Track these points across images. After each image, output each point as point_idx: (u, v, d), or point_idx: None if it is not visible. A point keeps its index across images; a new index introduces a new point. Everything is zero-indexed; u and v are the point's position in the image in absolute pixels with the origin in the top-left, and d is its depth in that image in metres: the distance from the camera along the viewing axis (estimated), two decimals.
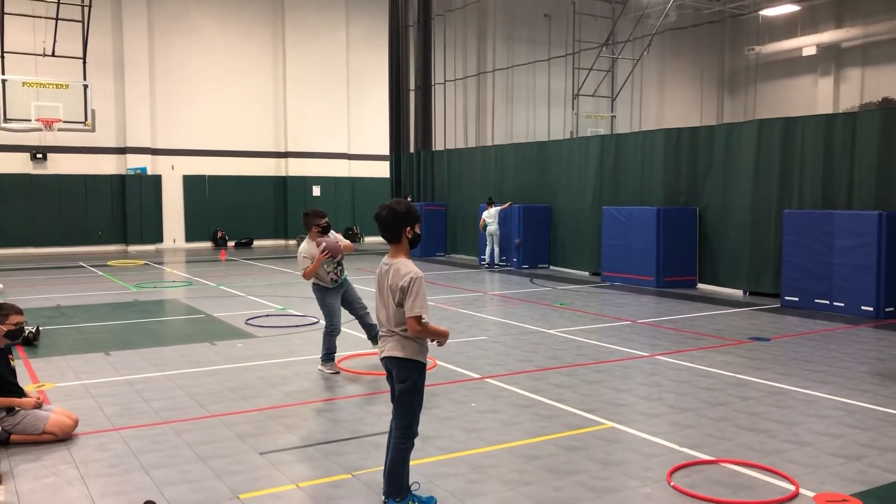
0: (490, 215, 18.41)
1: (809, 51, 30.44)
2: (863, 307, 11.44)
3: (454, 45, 28.88)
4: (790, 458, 5.48)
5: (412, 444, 4.51)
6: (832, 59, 30.15)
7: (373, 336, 8.04)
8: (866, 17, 27.69)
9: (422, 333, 4.36)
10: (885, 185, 12.04)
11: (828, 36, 29.45)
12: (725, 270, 14.43)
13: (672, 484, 4.94)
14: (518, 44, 29.66)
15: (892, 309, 11.40)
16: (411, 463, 4.63)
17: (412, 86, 24.66)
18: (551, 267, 18.55)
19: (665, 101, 33.24)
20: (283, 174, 27.42)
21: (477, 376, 7.83)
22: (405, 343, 4.41)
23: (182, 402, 6.92)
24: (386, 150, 26.00)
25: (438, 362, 8.37)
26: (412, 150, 24.68)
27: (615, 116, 29.90)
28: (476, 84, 29.43)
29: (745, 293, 13.95)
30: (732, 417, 6.43)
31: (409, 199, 18.91)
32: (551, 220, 18.56)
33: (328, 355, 7.96)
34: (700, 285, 14.92)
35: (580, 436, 5.94)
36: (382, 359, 4.57)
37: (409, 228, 4.42)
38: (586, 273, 17.25)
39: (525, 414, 6.53)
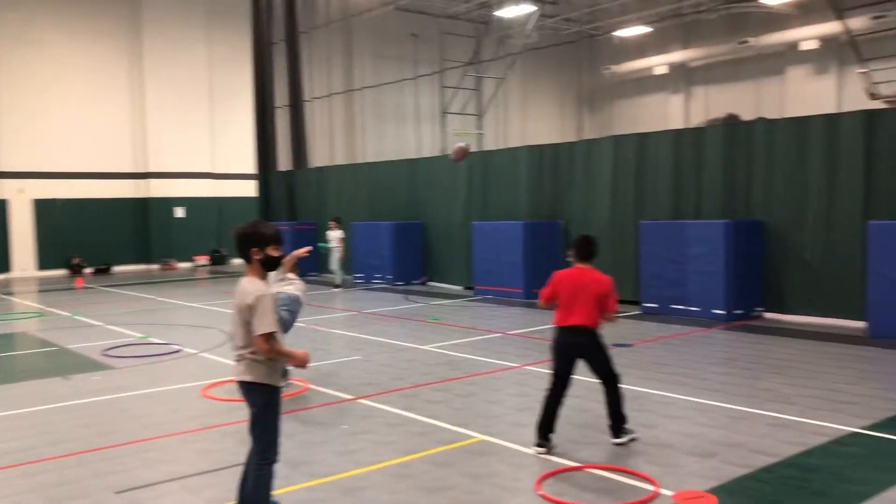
0: (333, 238, 18.06)
1: (661, 70, 32.29)
2: (714, 310, 12.18)
3: (322, 63, 28.70)
4: (650, 459, 5.73)
5: (271, 471, 4.38)
6: (682, 78, 32.10)
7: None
8: (709, 38, 29.69)
9: (271, 353, 4.24)
10: (730, 195, 12.89)
11: (677, 56, 31.34)
12: None
13: (540, 493, 5.05)
14: (386, 62, 29.83)
15: (740, 311, 12.20)
16: (279, 491, 4.51)
17: (278, 103, 24.25)
18: (428, 283, 18.66)
19: (529, 119, 34.29)
20: (144, 196, 26.23)
21: (349, 397, 7.74)
22: (255, 366, 4.29)
23: (32, 443, 6.44)
24: (252, 169, 25.40)
25: (310, 385, 8.22)
26: (281, 168, 24.24)
27: (483, 133, 30.57)
28: (345, 102, 29.33)
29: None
30: (596, 423, 6.65)
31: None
32: (424, 236, 18.70)
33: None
34: None
35: (452, 451, 5.98)
36: (237, 383, 4.43)
37: (256, 250, 4.32)
38: (460, 287, 17.47)
39: (398, 433, 6.51)
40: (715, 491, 5.05)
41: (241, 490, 4.48)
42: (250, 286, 4.27)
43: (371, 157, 27.29)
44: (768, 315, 12.36)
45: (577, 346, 6.01)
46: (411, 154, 27.71)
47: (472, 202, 17.44)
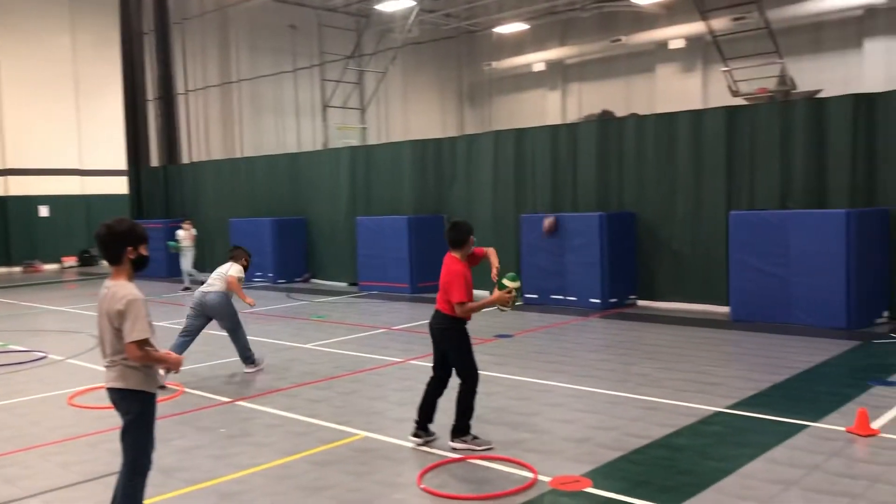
0: (183, 237, 17.31)
1: (539, 66, 33.07)
2: (590, 300, 12.60)
3: (196, 55, 27.69)
4: (530, 447, 5.85)
5: (143, 481, 4.17)
6: (558, 75, 32.98)
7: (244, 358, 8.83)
8: (584, 36, 30.64)
9: (144, 359, 4.04)
10: (603, 189, 13.36)
11: (554, 53, 32.17)
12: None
13: (422, 486, 5.06)
14: (264, 54, 29.08)
15: (615, 300, 12.67)
16: (153, 499, 4.32)
17: (151, 96, 23.22)
18: (312, 280, 18.36)
19: (411, 113, 34.35)
20: (2, 194, 24.51)
21: (227, 400, 7.50)
22: (128, 372, 4.07)
23: None
24: (122, 165, 24.20)
25: (186, 389, 7.92)
26: (154, 163, 23.24)
27: (366, 128, 30.39)
28: (221, 95, 28.43)
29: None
30: (479, 414, 6.71)
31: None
32: (307, 232, 18.39)
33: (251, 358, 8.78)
34: None
35: (333, 449, 5.90)
36: (107, 390, 4.19)
37: (131, 249, 4.10)
38: (345, 284, 17.30)
39: (278, 433, 6.37)
40: (590, 474, 5.21)
41: (113, 501, 4.25)
42: (120, 290, 4.04)
43: (250, 152, 26.57)
44: (641, 303, 12.91)
45: (434, 330, 6.06)
46: (292, 148, 27.19)
47: (356, 197, 17.31)
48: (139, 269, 4.21)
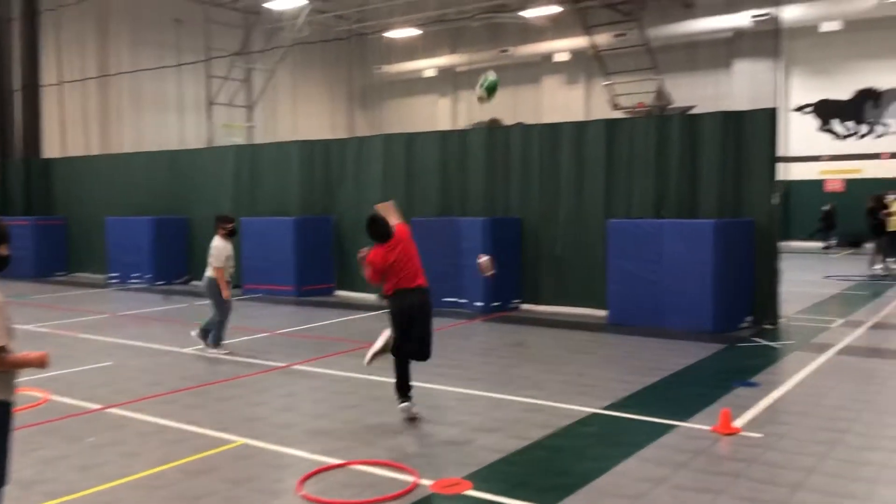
0: None
1: (430, 72, 33.36)
2: (475, 303, 12.77)
3: (72, 45, 26.29)
4: (411, 451, 5.87)
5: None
6: (449, 82, 33.37)
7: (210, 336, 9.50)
8: (474, 45, 31.13)
9: (3, 367, 3.78)
10: (491, 194, 13.58)
11: (444, 60, 32.53)
12: (360, 277, 15.08)
13: (301, 493, 4.98)
14: (145, 47, 27.92)
15: (498, 303, 12.89)
16: None
17: (16, 86, 21.84)
18: (192, 283, 17.73)
19: (300, 113, 33.84)
20: None
21: (97, 407, 7.14)
22: None
23: None
24: None
25: (51, 396, 7.48)
26: (19, 157, 21.86)
27: (254, 126, 29.71)
28: (99, 87, 27.09)
29: (378, 297, 14.71)
30: (363, 418, 6.70)
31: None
32: (189, 232, 17.75)
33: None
34: (338, 292, 15.40)
35: (210, 457, 5.72)
36: None
37: None
38: None
39: (151, 442, 6.12)
40: (471, 477, 5.28)
41: None
42: None
43: (129, 148, 25.43)
44: (525, 306, 13.18)
45: (426, 306, 6.81)
46: (174, 145, 26.22)
47: (241, 197, 16.85)
48: (1, 270, 3.93)
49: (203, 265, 17.58)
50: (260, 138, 28.90)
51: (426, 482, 5.17)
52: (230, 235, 9.82)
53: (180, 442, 6.08)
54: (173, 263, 17.56)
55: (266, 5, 26.67)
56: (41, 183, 20.80)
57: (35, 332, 11.10)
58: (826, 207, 25.62)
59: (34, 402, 7.23)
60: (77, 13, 25.79)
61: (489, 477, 5.31)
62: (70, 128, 26.49)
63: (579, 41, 27.04)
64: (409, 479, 5.22)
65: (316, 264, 15.22)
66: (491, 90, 8.17)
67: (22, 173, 21.17)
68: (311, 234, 15.13)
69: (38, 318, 12.31)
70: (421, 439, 6.14)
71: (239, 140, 26.80)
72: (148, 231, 17.32)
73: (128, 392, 7.73)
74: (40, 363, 3.94)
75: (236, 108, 29.00)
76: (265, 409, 7.09)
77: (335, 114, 35.58)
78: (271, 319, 12.47)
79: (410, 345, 6.63)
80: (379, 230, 6.76)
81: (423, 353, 6.74)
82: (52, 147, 24.30)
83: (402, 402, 6.66)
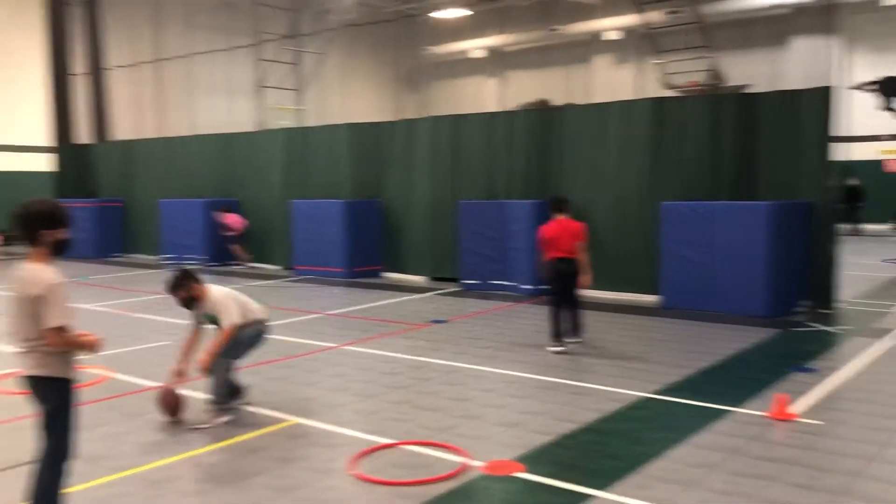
0: None
1: (478, 53, 33.14)
2: (524, 286, 12.74)
3: (127, 30, 26.77)
4: (462, 432, 5.89)
5: (63, 470, 4.04)
6: (497, 62, 33.12)
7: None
8: (522, 25, 30.80)
9: (63, 345, 3.91)
10: (539, 176, 13.46)
11: (492, 40, 32.26)
12: (409, 259, 15.19)
13: (353, 472, 5.05)
14: (198, 31, 28.30)
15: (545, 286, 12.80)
16: (77, 488, 4.19)
17: (77, 70, 22.37)
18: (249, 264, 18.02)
19: (349, 96, 33.97)
20: None
21: (155, 385, 7.32)
22: (46, 359, 3.93)
23: None
24: (47, 141, 23.27)
25: (112, 375, 7.71)
26: (81, 140, 22.43)
27: (304, 109, 29.93)
28: (153, 72, 27.58)
29: (428, 279, 14.79)
30: (412, 399, 6.76)
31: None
32: (242, 214, 18.02)
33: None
34: (386, 274, 15.51)
35: (263, 436, 5.84)
36: (23, 378, 4.04)
37: (48, 231, 3.93)
38: (279, 268, 17.06)
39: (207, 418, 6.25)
40: (522, 459, 5.29)
41: (30, 490, 4.10)
42: (39, 274, 3.88)
43: (182, 131, 25.87)
44: None
45: (571, 272, 8.64)
46: (225, 129, 26.59)
47: (291, 180, 17.04)
48: (59, 253, 4.05)
49: (256, 248, 17.87)
50: (311, 121, 29.12)
51: (477, 463, 5.20)
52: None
53: (233, 420, 6.21)
54: (219, 245, 17.84)
55: None
56: (101, 166, 21.32)
57: (96, 312, 11.42)
58: (852, 182, 23.91)
59: (94, 380, 7.46)
60: None
61: (539, 459, 5.32)
62: (126, 112, 27.02)
63: (630, 19, 26.53)
64: (460, 459, 5.25)
65: (365, 246, 15.35)
66: None
67: (83, 157, 21.74)
68: (361, 216, 15.25)
69: (99, 297, 12.66)
70: (471, 421, 6.17)
71: (289, 123, 27.04)
72: (201, 213, 17.64)
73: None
74: (92, 347, 4.07)
75: (286, 91, 29.23)
76: (316, 389, 7.20)
77: (383, 96, 35.63)
78: (322, 300, 12.62)
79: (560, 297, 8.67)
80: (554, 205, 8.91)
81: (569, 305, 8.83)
82: (109, 130, 24.83)
83: (557, 344, 8.58)
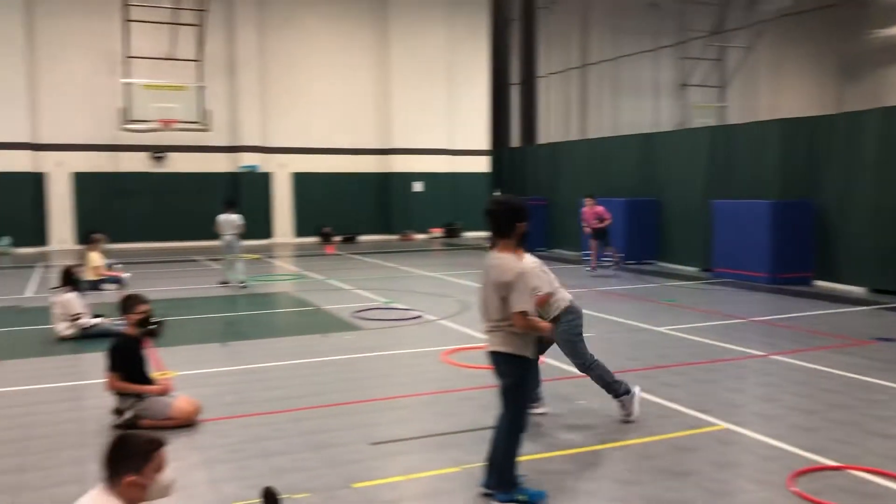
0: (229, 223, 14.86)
1: None
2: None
3: (558, 38, 28.58)
4: None
5: (519, 439, 4.50)
6: None
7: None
8: None
9: (526, 328, 4.35)
10: None
11: None
12: (846, 266, 13.70)
13: (793, 489, 4.74)
14: (623, 34, 29.04)
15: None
16: (526, 458, 4.63)
17: (513, 80, 24.55)
18: (658, 263, 18.07)
19: (780, 90, 31.79)
20: (387, 171, 27.85)
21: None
22: (510, 338, 4.41)
23: (296, 392, 7.15)
24: (485, 145, 26.00)
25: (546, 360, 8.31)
26: (513, 144, 24.59)
27: (726, 106, 28.87)
28: (579, 76, 29.03)
29: (868, 290, 13.20)
30: (859, 421, 6.10)
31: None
32: (658, 214, 18.08)
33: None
34: (816, 282, 14.21)
35: (694, 436, 5.78)
36: (488, 353, 4.59)
37: (521, 225, 4.44)
38: (695, 269, 16.73)
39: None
40: None
41: (490, 454, 4.64)
42: (509, 262, 4.39)
43: (606, 133, 26.81)
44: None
45: None
46: (647, 128, 26.88)
47: (713, 179, 16.54)
48: (523, 244, 4.53)
49: (671, 248, 17.72)
50: (734, 118, 27.96)
51: None
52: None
53: (664, 417, 6.25)
54: (644, 244, 18.07)
55: None
56: (530, 167, 23.16)
57: None
58: None
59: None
60: (564, 8, 27.93)
61: None
62: (553, 116, 28.90)
63: None
64: None
65: (793, 251, 14.25)
66: None
67: (515, 159, 23.86)
68: (789, 218, 14.18)
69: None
70: None
71: (712, 121, 26.31)
72: (621, 212, 18.05)
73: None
74: (548, 332, 4.52)
75: (708, 88, 28.46)
76: (745, 397, 6.90)
77: (819, 88, 32.60)
78: (745, 306, 12.05)
79: None
80: None
81: None
82: (537, 134, 26.85)
83: None
